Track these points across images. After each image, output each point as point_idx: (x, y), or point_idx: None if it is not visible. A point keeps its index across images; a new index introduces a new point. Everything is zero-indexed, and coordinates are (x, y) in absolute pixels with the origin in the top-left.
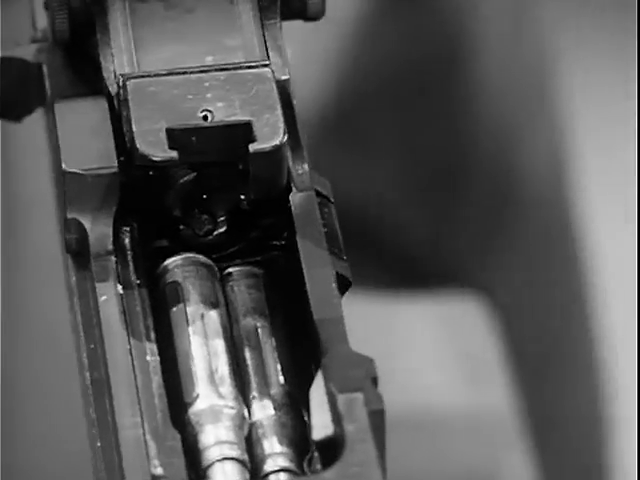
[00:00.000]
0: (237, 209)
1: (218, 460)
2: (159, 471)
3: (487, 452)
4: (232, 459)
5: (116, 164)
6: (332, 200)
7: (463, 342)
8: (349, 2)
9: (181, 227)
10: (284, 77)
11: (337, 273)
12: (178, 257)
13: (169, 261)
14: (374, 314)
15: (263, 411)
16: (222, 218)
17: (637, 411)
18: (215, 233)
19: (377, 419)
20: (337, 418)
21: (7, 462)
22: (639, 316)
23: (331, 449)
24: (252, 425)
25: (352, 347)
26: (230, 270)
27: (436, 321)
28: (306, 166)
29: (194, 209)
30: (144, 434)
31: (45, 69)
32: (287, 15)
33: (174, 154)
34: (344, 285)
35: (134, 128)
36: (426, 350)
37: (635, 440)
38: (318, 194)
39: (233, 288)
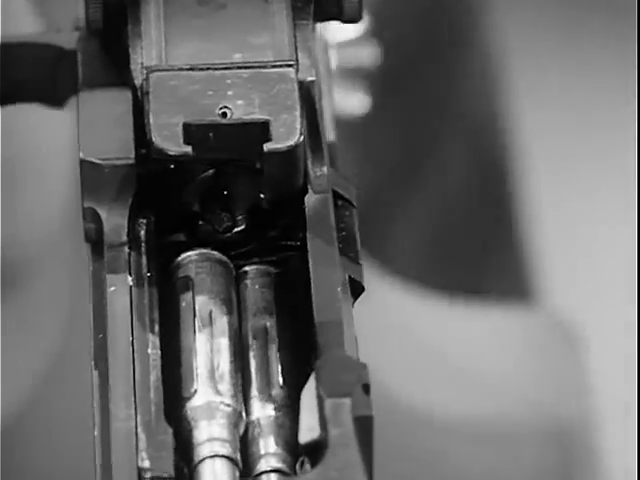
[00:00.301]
0: (257, 208)
1: (209, 457)
2: (146, 464)
3: (563, 465)
4: (223, 457)
5: (133, 156)
6: (354, 204)
7: (536, 353)
8: None
9: (200, 223)
10: (310, 78)
11: (350, 277)
12: (193, 252)
13: (184, 256)
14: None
15: (262, 411)
16: (241, 216)
17: (637, 414)
18: (234, 230)
19: (365, 425)
20: (323, 422)
21: (7, 462)
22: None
23: (317, 452)
24: (250, 424)
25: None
26: (246, 268)
27: (505, 330)
28: (325, 168)
29: (214, 205)
30: (136, 426)
31: (79, 57)
32: (322, 17)
33: (189, 149)
34: (357, 290)
35: (151, 121)
36: (500, 359)
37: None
38: (340, 197)
39: (247, 286)
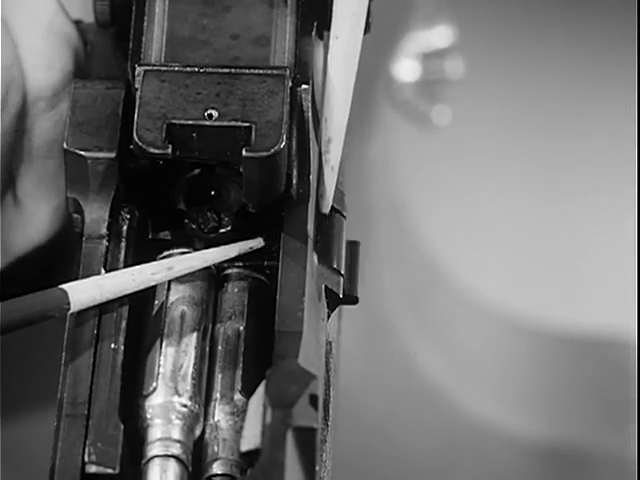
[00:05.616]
0: (244, 211)
1: (157, 456)
2: (92, 458)
3: None
4: (172, 457)
5: (116, 151)
6: (344, 214)
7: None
8: None
9: (186, 222)
10: (305, 86)
11: (327, 287)
12: (175, 251)
13: (165, 254)
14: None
15: (222, 414)
16: (228, 218)
17: (637, 414)
18: (220, 232)
19: (306, 436)
20: (262, 430)
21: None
22: None
23: (253, 460)
24: (208, 426)
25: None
26: (228, 271)
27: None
28: (311, 177)
29: (201, 205)
30: (88, 419)
31: (89, 48)
32: (328, 26)
33: (169, 149)
34: (334, 301)
35: (136, 118)
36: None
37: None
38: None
39: (227, 289)
